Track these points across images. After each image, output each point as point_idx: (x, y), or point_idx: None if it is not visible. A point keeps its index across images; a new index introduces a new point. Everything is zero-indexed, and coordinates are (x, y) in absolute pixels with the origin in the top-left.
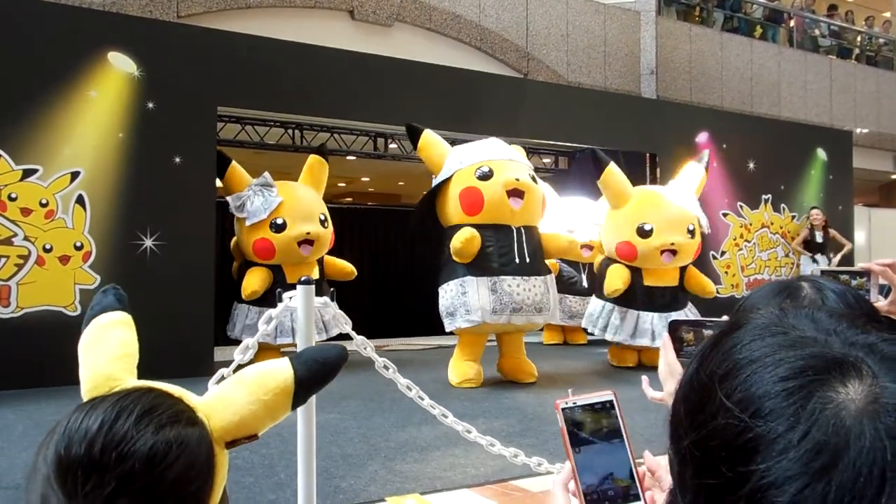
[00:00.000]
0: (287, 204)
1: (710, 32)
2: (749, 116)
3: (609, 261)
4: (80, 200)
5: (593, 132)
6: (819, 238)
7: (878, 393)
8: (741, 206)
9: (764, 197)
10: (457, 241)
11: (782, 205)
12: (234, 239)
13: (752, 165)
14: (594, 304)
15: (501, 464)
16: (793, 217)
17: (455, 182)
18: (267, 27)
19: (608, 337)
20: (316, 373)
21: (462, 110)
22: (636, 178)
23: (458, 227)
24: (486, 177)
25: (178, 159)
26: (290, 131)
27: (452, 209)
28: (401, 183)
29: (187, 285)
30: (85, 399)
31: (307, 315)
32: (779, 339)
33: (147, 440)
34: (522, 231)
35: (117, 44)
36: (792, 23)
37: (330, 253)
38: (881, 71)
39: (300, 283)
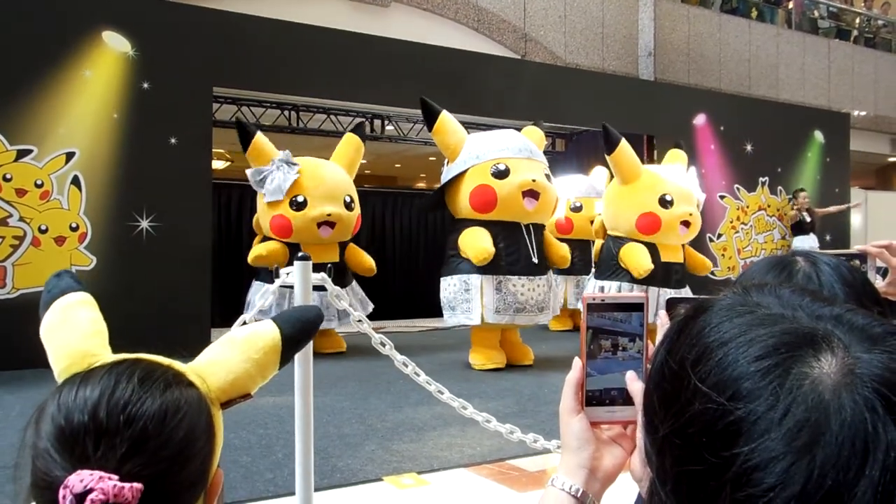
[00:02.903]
0: (310, 182)
1: (709, 14)
2: (747, 98)
3: (618, 240)
4: (75, 181)
5: (591, 114)
6: (808, 218)
7: (851, 364)
8: (738, 189)
9: (761, 179)
10: (471, 252)
11: (779, 187)
12: (256, 215)
13: (749, 147)
14: (604, 285)
15: (498, 443)
16: (789, 199)
17: (469, 177)
18: (263, 7)
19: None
20: (300, 331)
21: (459, 91)
22: None
23: (466, 221)
24: (501, 175)
25: (173, 140)
26: (286, 112)
27: (464, 204)
28: (397, 165)
29: (184, 266)
30: (60, 379)
31: (304, 292)
32: (747, 318)
33: (155, 400)
34: (531, 229)
35: (112, 23)
36: (791, 4)
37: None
38: (879, 53)
39: (297, 259)
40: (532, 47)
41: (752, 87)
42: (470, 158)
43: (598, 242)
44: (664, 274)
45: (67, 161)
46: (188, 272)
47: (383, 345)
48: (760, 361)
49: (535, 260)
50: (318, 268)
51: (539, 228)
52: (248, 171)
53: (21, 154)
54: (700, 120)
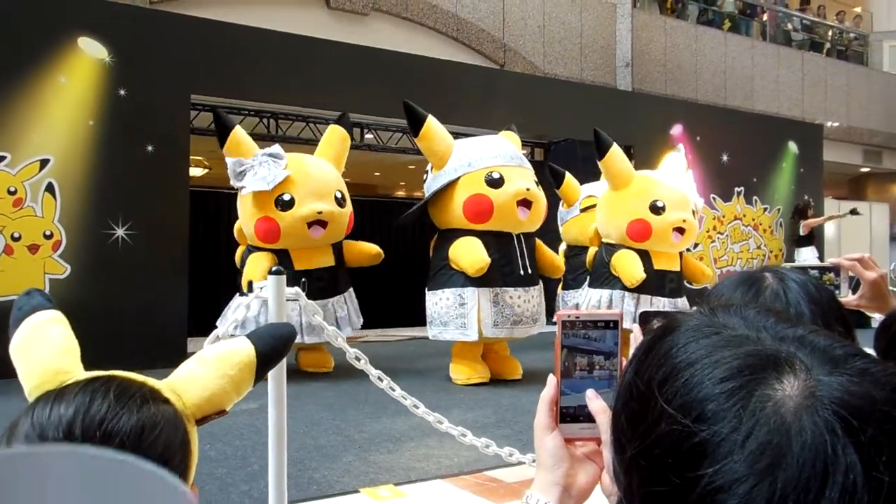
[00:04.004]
0: (297, 178)
1: (685, 25)
2: (723, 109)
3: (610, 247)
4: (49, 188)
5: (569, 123)
6: (802, 232)
7: (813, 387)
8: (714, 199)
9: (737, 189)
10: (466, 262)
11: (754, 197)
12: (238, 222)
13: (725, 158)
14: (594, 294)
15: (475, 454)
16: (765, 209)
17: (462, 186)
18: (242, 15)
19: (626, 325)
20: (273, 348)
21: (438, 100)
22: None
23: (457, 231)
24: (496, 183)
25: (150, 147)
26: (264, 120)
27: (454, 213)
28: (377, 173)
29: (160, 275)
30: (30, 397)
31: (279, 307)
32: (713, 339)
33: (131, 416)
34: (523, 239)
35: (88, 29)
36: (765, 17)
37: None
38: (852, 65)
39: (270, 273)
40: (511, 57)
41: (727, 97)
42: (461, 166)
43: (592, 250)
44: (657, 282)
45: (42, 168)
46: (165, 281)
47: (358, 359)
48: (725, 383)
49: (529, 270)
50: (309, 274)
51: (529, 238)
52: (229, 161)
53: None
54: (677, 130)
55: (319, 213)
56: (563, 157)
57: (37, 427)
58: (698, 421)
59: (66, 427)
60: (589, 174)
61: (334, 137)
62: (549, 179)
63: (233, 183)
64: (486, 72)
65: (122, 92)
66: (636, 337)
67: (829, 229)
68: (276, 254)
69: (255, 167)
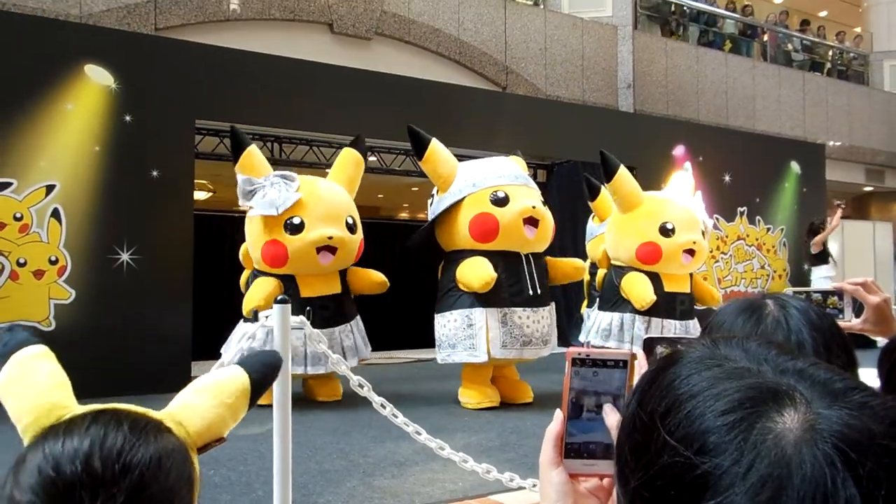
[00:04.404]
0: (307, 202)
1: (686, 47)
2: (724, 129)
3: (620, 269)
4: (55, 214)
5: (571, 145)
6: (813, 250)
7: (813, 420)
8: (717, 219)
9: (739, 209)
10: (473, 278)
11: (757, 217)
12: (244, 245)
13: (727, 178)
14: (604, 317)
15: (480, 479)
16: (768, 229)
17: (467, 206)
18: (245, 40)
19: (636, 350)
20: (265, 375)
21: (441, 123)
22: None
23: (464, 252)
24: (501, 202)
25: (155, 173)
26: (268, 144)
27: (460, 234)
28: (380, 195)
29: (165, 300)
30: (26, 434)
31: (283, 336)
32: (715, 371)
33: (148, 448)
34: (532, 259)
35: (94, 56)
36: (766, 37)
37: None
38: (852, 85)
39: (276, 301)
40: (513, 79)
41: (729, 118)
42: (466, 187)
43: (601, 272)
44: (668, 305)
45: (47, 194)
46: (169, 305)
47: (361, 386)
48: (726, 416)
49: (539, 291)
50: (315, 301)
51: (538, 258)
52: (240, 178)
53: (0, 187)
54: (679, 151)
55: (330, 238)
56: (565, 179)
57: (51, 460)
58: (700, 453)
59: (84, 459)
60: None
61: (348, 161)
62: (585, 192)
63: (240, 201)
64: (488, 94)
65: (127, 118)
66: (641, 364)
67: (833, 249)
68: (281, 279)
69: (265, 188)
